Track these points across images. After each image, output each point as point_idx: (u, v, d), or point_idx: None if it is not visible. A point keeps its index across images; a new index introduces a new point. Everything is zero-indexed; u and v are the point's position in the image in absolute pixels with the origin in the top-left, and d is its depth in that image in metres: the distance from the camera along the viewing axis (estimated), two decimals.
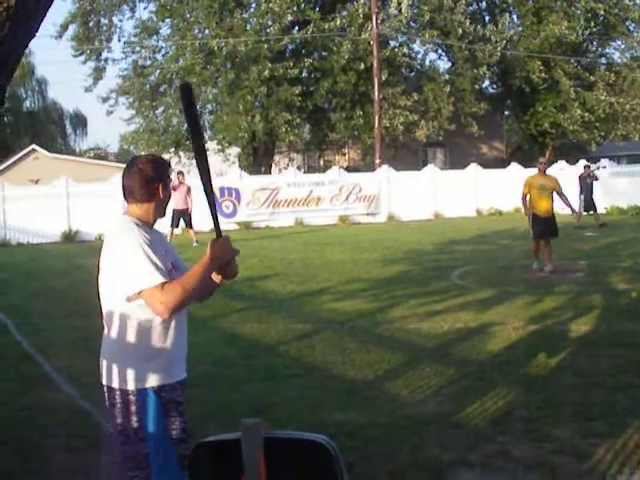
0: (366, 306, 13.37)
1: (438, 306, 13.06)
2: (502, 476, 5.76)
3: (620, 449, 6.17)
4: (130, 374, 4.19)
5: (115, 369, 4.24)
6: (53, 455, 6.53)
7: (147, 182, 4.26)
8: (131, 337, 4.19)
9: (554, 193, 16.81)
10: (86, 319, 11.87)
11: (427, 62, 50.34)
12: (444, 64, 52.54)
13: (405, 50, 46.56)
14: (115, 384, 4.23)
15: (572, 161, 39.51)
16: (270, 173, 46.99)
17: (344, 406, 7.61)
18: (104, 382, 4.30)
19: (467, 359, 9.48)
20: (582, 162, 35.61)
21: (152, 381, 4.18)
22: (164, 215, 4.47)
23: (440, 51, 50.74)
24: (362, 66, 43.39)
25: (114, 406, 4.26)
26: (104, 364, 4.33)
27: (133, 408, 4.19)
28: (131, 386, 4.19)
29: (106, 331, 4.31)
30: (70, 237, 30.36)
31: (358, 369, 9.10)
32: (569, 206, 17.45)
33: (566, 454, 6.11)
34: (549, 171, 17.92)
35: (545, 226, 16.58)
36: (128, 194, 4.31)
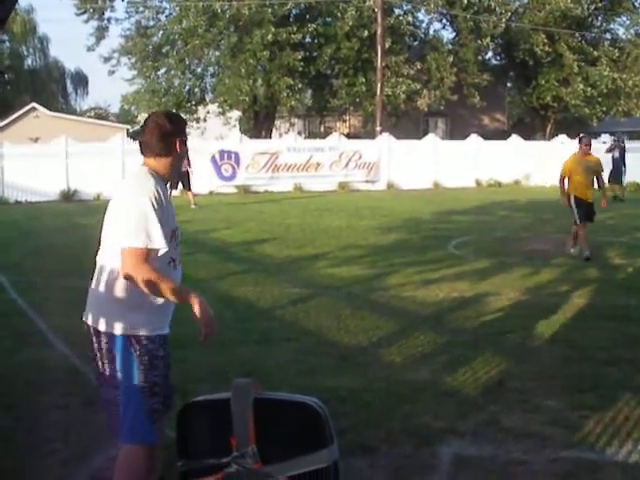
0: (362, 273, 13.38)
1: (434, 275, 13.07)
2: (493, 445, 5.78)
3: (610, 422, 6.20)
4: (114, 319, 4.26)
5: (99, 312, 4.32)
6: (46, 413, 6.54)
7: (165, 136, 4.34)
8: (118, 284, 4.24)
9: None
10: (83, 278, 11.85)
11: (431, 31, 50.37)
12: (448, 34, 52.39)
13: (409, 18, 46.43)
14: (98, 326, 4.30)
15: (573, 135, 39.39)
16: (270, 137, 46.90)
17: (337, 371, 7.63)
18: (89, 322, 4.38)
19: (461, 328, 9.50)
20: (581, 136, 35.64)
21: (135, 330, 4.22)
22: (180, 170, 4.62)
23: (444, 21, 50.64)
24: (366, 33, 43.24)
25: (95, 347, 4.36)
26: (90, 302, 4.42)
27: (113, 354, 4.27)
28: (110, 329, 4.26)
29: (97, 273, 4.38)
30: (68, 196, 30.32)
31: (352, 335, 9.11)
32: (603, 189, 15.85)
33: (556, 425, 6.14)
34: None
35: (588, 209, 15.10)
36: (145, 148, 4.40)
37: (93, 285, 4.42)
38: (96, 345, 4.35)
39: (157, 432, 4.25)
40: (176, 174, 4.56)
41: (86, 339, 4.42)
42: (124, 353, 4.22)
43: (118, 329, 4.22)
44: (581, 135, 16.26)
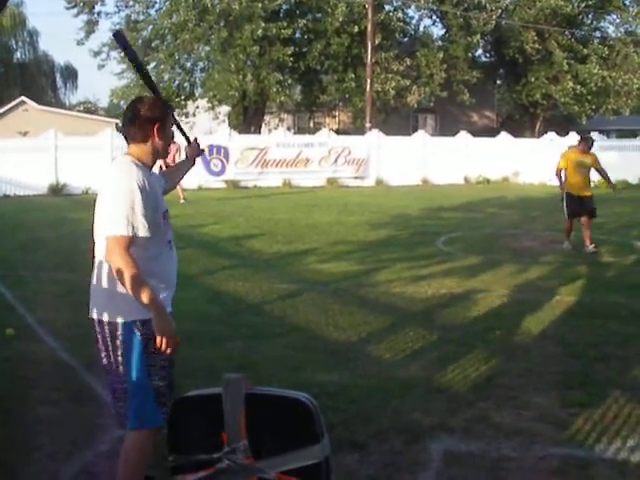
0: (351, 268, 13.38)
1: (423, 271, 13.08)
2: (482, 441, 5.78)
3: (599, 419, 6.20)
4: (115, 307, 4.25)
5: (101, 305, 4.30)
6: (33, 407, 6.51)
7: (142, 122, 4.32)
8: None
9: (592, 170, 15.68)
10: (71, 272, 11.86)
11: (421, 28, 50.57)
12: (438, 30, 52.83)
13: (400, 15, 46.56)
14: (102, 317, 4.29)
15: (562, 133, 39.47)
16: (260, 133, 46.88)
17: (327, 367, 7.62)
18: (93, 316, 4.36)
19: (450, 325, 9.50)
20: (573, 134, 35.67)
21: (136, 315, 4.19)
22: (164, 157, 4.54)
23: (435, 17, 50.74)
24: (356, 29, 43.27)
25: (100, 339, 4.34)
26: (93, 297, 4.40)
27: (117, 342, 4.25)
28: (114, 319, 4.25)
29: (97, 266, 4.36)
30: (57, 190, 30.22)
31: (342, 331, 9.11)
32: (608, 181, 16.19)
33: (546, 422, 6.14)
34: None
35: (579, 205, 15.41)
36: (127, 134, 4.39)
37: (94, 281, 4.41)
38: (100, 336, 4.33)
39: (164, 415, 4.27)
40: (159, 158, 4.49)
41: (91, 336, 4.38)
42: (129, 337, 4.21)
43: (122, 317, 4.22)
44: (586, 135, 16.47)
